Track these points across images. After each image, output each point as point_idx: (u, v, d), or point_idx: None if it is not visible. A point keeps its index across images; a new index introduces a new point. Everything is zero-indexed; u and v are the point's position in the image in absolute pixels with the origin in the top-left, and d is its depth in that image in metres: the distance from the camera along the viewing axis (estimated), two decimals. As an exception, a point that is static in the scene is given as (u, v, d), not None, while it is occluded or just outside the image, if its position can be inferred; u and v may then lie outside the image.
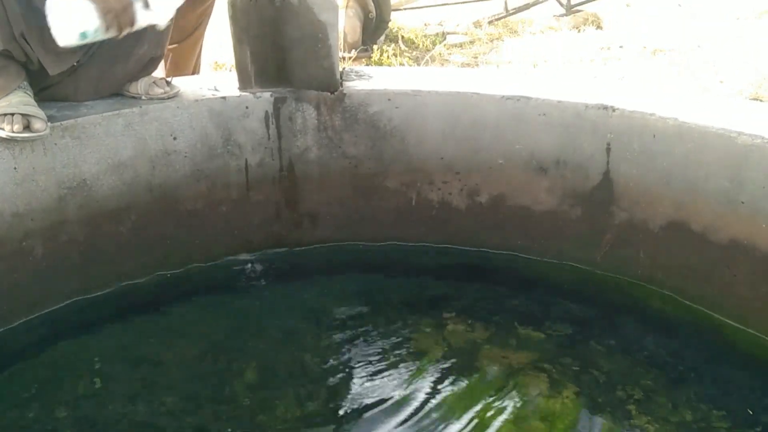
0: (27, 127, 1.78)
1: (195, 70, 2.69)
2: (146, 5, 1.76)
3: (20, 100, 1.80)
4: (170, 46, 2.43)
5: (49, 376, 1.78)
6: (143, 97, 2.05)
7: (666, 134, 1.89)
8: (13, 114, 1.77)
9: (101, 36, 1.76)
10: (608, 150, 2.01)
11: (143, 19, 1.78)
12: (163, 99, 2.06)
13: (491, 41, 5.06)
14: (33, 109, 1.80)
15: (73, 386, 1.74)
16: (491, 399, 1.69)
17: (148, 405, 1.69)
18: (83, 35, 1.73)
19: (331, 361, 1.83)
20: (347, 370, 1.80)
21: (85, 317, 1.98)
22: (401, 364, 1.81)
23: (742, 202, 1.78)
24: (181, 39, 2.59)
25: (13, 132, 1.76)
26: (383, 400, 1.69)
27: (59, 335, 1.90)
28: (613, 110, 1.98)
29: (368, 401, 1.69)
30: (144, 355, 1.84)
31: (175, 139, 2.07)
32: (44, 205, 1.89)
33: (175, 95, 2.09)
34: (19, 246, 1.87)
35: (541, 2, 5.74)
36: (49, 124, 1.82)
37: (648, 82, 3.75)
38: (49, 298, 1.98)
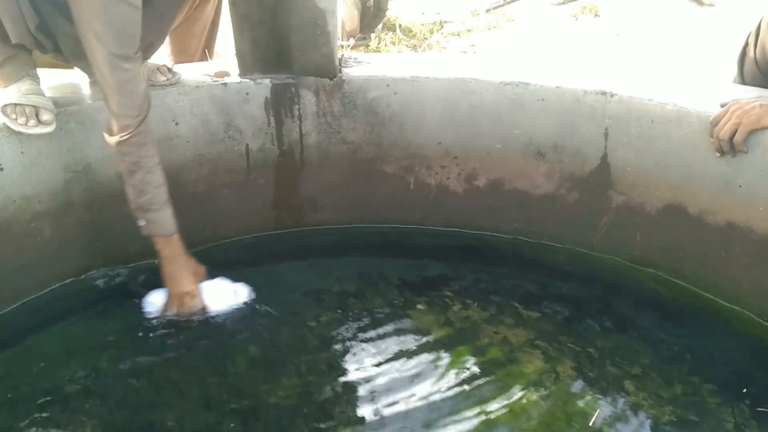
0: (36, 116, 1.80)
1: (201, 55, 2.65)
2: None
3: (29, 88, 1.82)
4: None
5: (58, 352, 1.81)
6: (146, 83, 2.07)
7: (664, 119, 1.90)
8: (24, 105, 1.79)
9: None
10: (606, 135, 2.03)
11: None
12: (164, 85, 2.07)
13: (488, 30, 5.07)
14: (41, 99, 1.82)
15: (81, 362, 1.77)
16: (489, 376, 1.71)
17: (154, 380, 1.71)
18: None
19: (331, 338, 1.86)
20: (347, 347, 1.83)
21: (92, 296, 2.01)
22: (400, 343, 1.84)
23: (740, 186, 1.80)
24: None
25: (25, 126, 1.79)
26: (381, 376, 1.72)
27: (67, 313, 1.93)
28: (612, 95, 2.00)
29: (367, 377, 1.72)
30: (149, 332, 1.86)
31: (177, 124, 2.09)
32: (51, 188, 1.91)
33: (177, 82, 2.10)
34: (27, 227, 1.89)
35: (539, -9, 5.74)
36: (56, 111, 1.85)
37: (646, 68, 3.77)
38: (56, 277, 2.01)
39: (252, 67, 2.20)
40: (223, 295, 1.94)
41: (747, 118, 1.70)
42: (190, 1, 2.11)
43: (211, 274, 1.98)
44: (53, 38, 1.85)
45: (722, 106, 1.78)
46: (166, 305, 1.89)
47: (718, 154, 1.79)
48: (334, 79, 2.18)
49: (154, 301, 1.91)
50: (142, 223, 1.83)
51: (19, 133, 1.80)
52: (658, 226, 2.01)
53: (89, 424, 1.58)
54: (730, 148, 1.75)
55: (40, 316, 1.93)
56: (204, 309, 1.91)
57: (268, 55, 2.18)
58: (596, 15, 5.38)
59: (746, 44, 2.03)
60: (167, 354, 1.80)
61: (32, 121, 1.80)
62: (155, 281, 1.95)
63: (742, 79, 2.06)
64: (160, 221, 1.83)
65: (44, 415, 1.60)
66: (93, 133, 1.94)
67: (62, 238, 1.97)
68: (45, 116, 1.81)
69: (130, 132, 1.73)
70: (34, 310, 1.94)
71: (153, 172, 1.79)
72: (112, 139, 1.75)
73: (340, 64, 2.23)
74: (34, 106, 1.80)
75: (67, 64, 2.05)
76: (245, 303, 1.96)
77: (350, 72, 2.21)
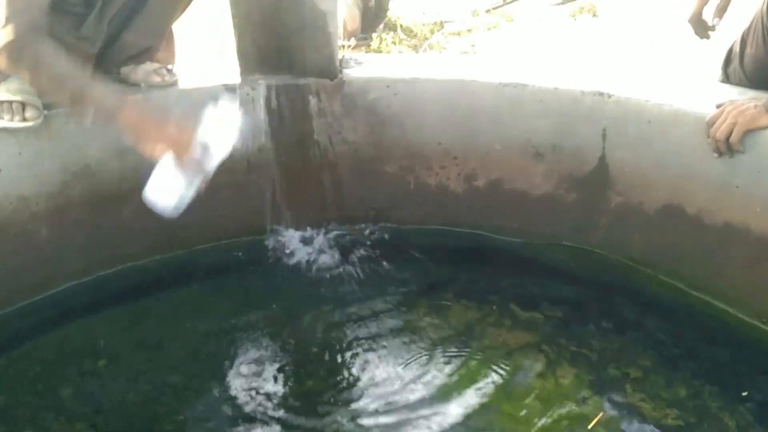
0: (23, 112, 1.80)
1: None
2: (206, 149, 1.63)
3: (17, 87, 1.81)
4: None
5: (55, 355, 1.81)
6: (142, 85, 2.08)
7: (661, 120, 1.91)
8: (11, 102, 1.79)
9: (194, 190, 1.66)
10: (604, 135, 2.04)
11: (210, 165, 1.65)
12: (162, 87, 2.08)
13: (488, 30, 5.08)
14: (29, 96, 1.82)
15: (77, 366, 1.77)
16: (488, 378, 1.72)
17: (151, 384, 1.72)
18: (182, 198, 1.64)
19: (330, 340, 1.87)
20: (346, 349, 1.83)
21: (90, 298, 2.01)
22: (399, 344, 1.85)
23: (737, 186, 1.81)
24: None
25: (10, 122, 1.79)
26: (380, 379, 1.73)
27: (64, 316, 1.94)
28: (609, 96, 2.01)
29: (365, 379, 1.73)
30: (147, 335, 1.88)
31: (176, 124, 2.09)
32: (49, 189, 1.92)
33: (174, 83, 2.11)
34: (24, 228, 1.90)
35: (539, -9, 5.75)
36: (44, 112, 1.84)
37: (644, 69, 3.78)
38: (54, 279, 2.02)
39: (252, 68, 2.21)
40: (219, 128, 1.63)
41: (742, 118, 1.71)
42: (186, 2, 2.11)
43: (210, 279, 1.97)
44: None
45: (718, 106, 1.79)
46: (174, 164, 1.60)
47: (715, 155, 1.80)
48: (335, 80, 2.19)
49: (160, 177, 1.60)
50: (85, 111, 1.62)
51: (17, 134, 1.81)
52: (656, 226, 2.01)
53: (85, 429, 1.58)
54: (726, 148, 1.75)
55: (37, 318, 1.93)
56: (207, 148, 1.62)
57: (269, 56, 2.19)
58: (595, 15, 5.39)
59: (731, 49, 2.04)
60: (165, 358, 1.81)
61: (17, 117, 1.79)
62: (154, 284, 1.97)
63: (727, 81, 2.07)
64: (104, 92, 1.64)
65: (40, 419, 1.61)
66: (92, 133, 1.94)
67: (60, 240, 1.98)
68: (29, 112, 1.80)
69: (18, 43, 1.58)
70: (31, 313, 1.95)
71: (60, 55, 1.62)
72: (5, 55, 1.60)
73: (340, 65, 2.24)
74: (21, 102, 1.80)
75: None
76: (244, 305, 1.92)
77: (351, 73, 2.22)
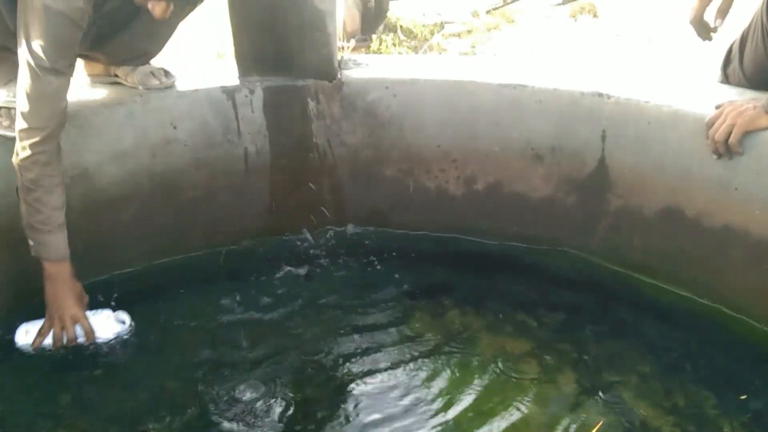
0: None
1: None
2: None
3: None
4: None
5: (52, 362, 1.80)
6: (140, 88, 2.07)
7: (661, 121, 1.90)
8: (10, 108, 1.79)
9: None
10: (603, 137, 2.03)
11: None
12: (160, 89, 2.08)
13: (489, 31, 5.07)
14: None
15: (75, 372, 1.76)
16: (487, 384, 1.71)
17: (150, 390, 1.71)
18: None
19: (328, 345, 1.86)
20: (344, 354, 1.82)
21: (88, 304, 1.99)
22: (397, 350, 1.84)
23: (736, 188, 1.80)
24: None
25: (9, 129, 1.78)
26: (379, 384, 1.72)
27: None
28: (609, 97, 2.00)
29: (364, 385, 1.72)
30: (145, 341, 1.86)
31: (175, 128, 2.09)
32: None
33: (171, 85, 2.10)
34: (22, 234, 1.88)
35: (539, -8, 5.74)
36: None
37: (643, 69, 3.77)
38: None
39: (251, 69, 2.21)
40: (108, 323, 1.85)
41: (741, 119, 1.70)
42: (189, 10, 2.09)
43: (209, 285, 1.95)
44: None
45: (717, 107, 1.78)
46: (43, 329, 1.79)
47: (714, 156, 1.79)
48: (334, 82, 2.19)
49: (29, 329, 1.81)
50: (31, 243, 1.75)
51: (12, 137, 1.80)
52: (656, 229, 2.00)
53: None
54: (725, 149, 1.75)
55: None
56: (90, 334, 1.81)
57: (267, 57, 2.18)
58: (595, 16, 5.38)
59: (730, 50, 2.03)
60: (163, 364, 1.80)
61: (8, 122, 1.79)
62: (152, 289, 1.96)
63: (726, 82, 2.06)
64: (52, 244, 1.75)
65: (38, 427, 1.60)
66: (90, 137, 1.95)
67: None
68: None
69: (35, 147, 1.66)
70: (29, 319, 1.89)
71: (52, 193, 1.71)
72: (16, 156, 1.69)
73: (339, 66, 2.23)
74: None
75: None
76: (225, 308, 1.93)
77: (350, 74, 2.21)
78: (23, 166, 1.68)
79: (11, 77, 1.82)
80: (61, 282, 1.78)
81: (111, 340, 1.84)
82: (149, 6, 1.63)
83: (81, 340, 1.81)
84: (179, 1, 1.70)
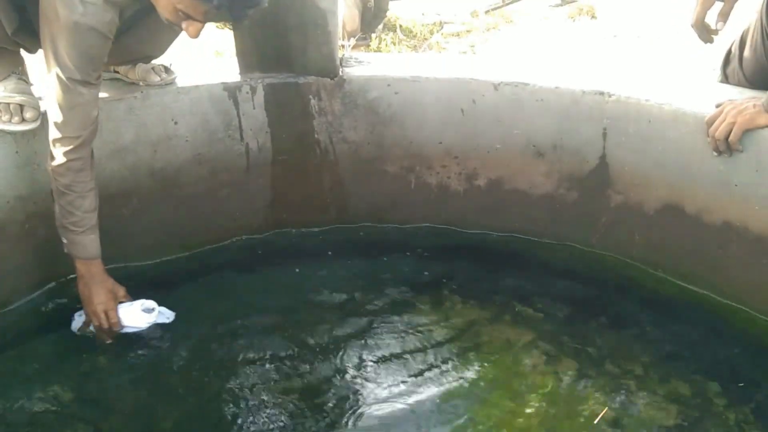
0: (21, 113, 1.80)
1: None
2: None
3: (15, 87, 1.81)
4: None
5: (53, 355, 1.81)
6: (141, 84, 2.07)
7: (661, 119, 1.91)
8: (8, 103, 1.79)
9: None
10: (604, 135, 2.04)
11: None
12: (160, 85, 2.08)
13: (488, 31, 5.09)
14: (27, 97, 1.81)
15: (76, 365, 1.76)
16: (490, 376, 1.72)
17: (150, 384, 1.71)
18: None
19: (332, 338, 1.86)
20: (348, 347, 1.83)
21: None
22: (400, 342, 1.84)
23: (736, 185, 1.81)
24: None
25: (9, 123, 1.79)
26: (382, 376, 1.72)
27: (62, 315, 1.92)
28: (609, 96, 2.01)
29: (366, 377, 1.72)
30: (146, 335, 1.86)
31: (176, 123, 2.09)
32: (46, 189, 1.90)
33: (172, 82, 2.10)
34: (22, 228, 1.90)
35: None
36: (41, 110, 1.83)
37: (643, 69, 3.78)
38: (51, 279, 2.01)
39: (252, 66, 2.21)
40: (141, 315, 1.87)
41: (741, 117, 1.72)
42: None
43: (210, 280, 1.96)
44: (38, 38, 1.84)
45: (717, 106, 1.80)
46: (85, 323, 1.86)
47: (714, 154, 1.80)
48: (335, 79, 2.19)
49: (78, 319, 1.88)
50: (64, 241, 1.79)
51: (14, 133, 1.80)
52: (656, 225, 2.02)
53: (84, 429, 1.57)
54: (725, 147, 1.76)
55: (35, 318, 1.92)
56: (119, 327, 1.84)
57: (269, 54, 2.19)
58: (593, 17, 5.40)
59: (730, 49, 2.04)
60: (165, 357, 1.80)
61: (16, 118, 1.80)
62: (153, 284, 1.95)
63: (726, 81, 2.07)
64: (83, 244, 1.79)
65: (38, 420, 1.60)
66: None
67: (57, 239, 1.95)
68: (28, 113, 1.81)
69: (69, 154, 1.69)
70: (29, 313, 1.94)
71: (85, 197, 1.75)
72: (49, 161, 1.72)
73: (340, 64, 2.23)
74: (19, 103, 1.79)
75: None
76: (227, 305, 1.95)
77: (351, 72, 2.22)
78: (58, 172, 1.71)
79: (9, 73, 1.84)
80: (92, 279, 1.82)
81: (143, 329, 1.86)
82: (183, 26, 1.62)
83: (122, 329, 1.85)
84: (215, 20, 1.69)
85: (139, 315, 1.86)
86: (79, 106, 1.66)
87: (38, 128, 1.84)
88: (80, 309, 1.86)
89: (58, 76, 1.63)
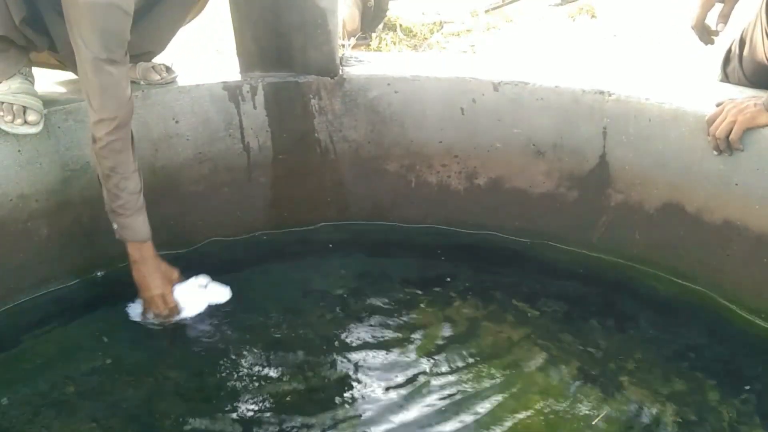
0: (24, 115, 1.80)
1: None
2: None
3: (19, 87, 1.81)
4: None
5: (54, 353, 1.81)
6: (141, 83, 2.08)
7: (661, 118, 1.92)
8: (11, 104, 1.79)
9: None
10: (604, 134, 2.04)
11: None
12: (161, 84, 2.08)
13: (488, 30, 5.09)
14: (30, 99, 1.82)
15: (79, 362, 1.77)
16: (489, 374, 1.72)
17: (153, 380, 1.72)
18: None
19: (333, 337, 1.86)
20: (348, 346, 1.83)
21: (91, 295, 2.01)
22: (401, 341, 1.85)
23: (736, 184, 1.81)
24: None
25: (11, 125, 1.79)
26: (383, 374, 1.72)
27: (65, 313, 1.93)
28: (610, 95, 2.01)
29: (368, 375, 1.72)
30: (149, 332, 1.87)
31: (177, 122, 2.10)
32: (48, 187, 1.92)
33: (173, 80, 2.11)
34: (24, 226, 1.90)
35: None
36: (44, 112, 1.84)
37: (643, 68, 3.78)
38: (54, 276, 2.01)
39: (253, 65, 2.22)
40: (200, 297, 1.92)
41: (742, 116, 1.72)
42: (194, 11, 2.10)
43: (204, 274, 1.98)
44: (47, 35, 1.85)
45: (718, 105, 1.80)
46: (144, 310, 1.89)
47: (714, 153, 1.81)
48: (336, 78, 2.19)
49: (136, 307, 1.92)
50: (115, 226, 1.82)
51: (12, 134, 1.81)
52: (656, 224, 2.02)
53: (86, 427, 1.57)
54: (726, 146, 1.76)
55: (37, 316, 1.93)
56: (178, 311, 1.89)
57: (269, 53, 2.19)
58: (593, 16, 5.40)
59: (730, 49, 2.05)
60: (166, 354, 1.81)
61: (18, 120, 1.80)
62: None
63: (726, 80, 2.08)
64: (133, 227, 1.82)
65: (40, 417, 1.60)
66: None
67: (59, 238, 1.98)
68: (31, 116, 1.81)
69: (109, 136, 1.71)
70: (31, 311, 1.94)
71: (129, 179, 1.78)
72: (93, 145, 1.75)
73: (341, 63, 2.24)
74: (22, 105, 1.80)
75: (61, 65, 2.05)
76: (228, 303, 1.96)
77: (351, 71, 2.22)
78: (101, 155, 1.74)
79: (14, 72, 1.83)
80: (145, 264, 1.85)
81: (204, 310, 1.91)
82: None
83: (181, 312, 1.89)
84: None
85: (196, 295, 1.90)
86: (110, 87, 1.68)
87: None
88: (134, 297, 1.90)
89: (86, 59, 1.64)
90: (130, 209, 1.80)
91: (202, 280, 1.95)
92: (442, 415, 1.60)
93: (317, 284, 2.09)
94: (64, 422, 1.59)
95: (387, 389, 1.68)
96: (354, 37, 4.36)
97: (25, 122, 1.80)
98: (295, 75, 2.19)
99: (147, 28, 1.95)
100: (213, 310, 1.95)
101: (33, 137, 1.85)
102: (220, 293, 1.96)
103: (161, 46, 2.10)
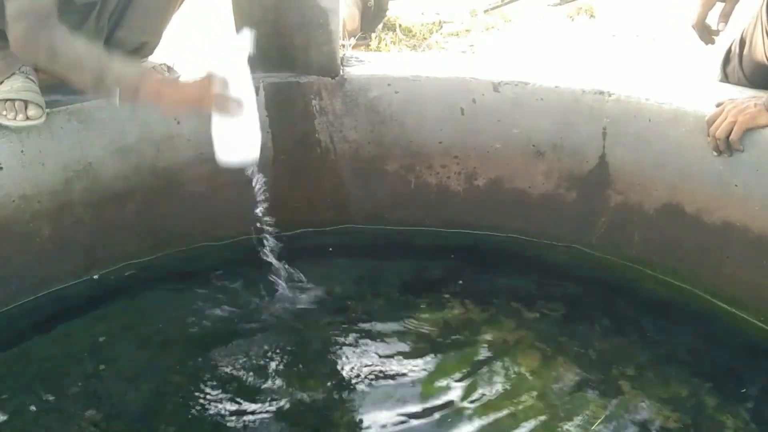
0: (25, 110, 1.80)
1: None
2: None
3: (21, 85, 1.81)
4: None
5: (57, 354, 1.81)
6: None
7: (661, 118, 1.92)
8: (13, 100, 1.79)
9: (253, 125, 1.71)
10: (604, 134, 2.05)
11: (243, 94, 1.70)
12: None
13: (487, 30, 5.09)
14: (32, 94, 1.82)
15: (80, 364, 1.77)
16: (488, 376, 1.72)
17: (153, 382, 1.72)
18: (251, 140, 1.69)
19: (331, 340, 1.87)
20: (346, 348, 1.83)
21: (92, 296, 2.01)
22: (399, 343, 1.85)
23: (736, 185, 1.82)
24: None
25: (13, 120, 1.79)
26: (381, 378, 1.73)
27: (66, 314, 1.94)
28: (609, 95, 2.02)
29: (366, 378, 1.73)
30: (149, 333, 1.87)
31: (178, 123, 2.10)
32: (51, 188, 1.92)
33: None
34: (26, 227, 1.90)
35: (536, -8, 5.76)
36: (46, 110, 1.84)
37: (643, 68, 3.79)
38: (55, 278, 2.01)
39: (254, 65, 2.20)
40: (232, 58, 1.66)
41: (742, 116, 1.72)
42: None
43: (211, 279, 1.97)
44: None
45: (717, 105, 1.80)
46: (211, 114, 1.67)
47: (714, 154, 1.81)
48: (336, 78, 2.20)
49: (218, 139, 1.70)
50: (111, 96, 1.66)
51: (19, 132, 1.81)
52: (656, 225, 2.02)
53: (88, 428, 1.58)
54: (726, 147, 1.77)
55: (39, 317, 1.93)
56: (227, 85, 1.65)
57: (270, 53, 2.19)
58: (592, 16, 5.40)
59: (730, 49, 2.05)
60: (168, 357, 1.81)
61: (20, 116, 1.80)
62: (156, 283, 1.96)
63: (726, 80, 2.08)
64: (122, 73, 1.65)
65: (42, 418, 1.60)
66: (94, 131, 1.95)
67: (62, 239, 1.98)
68: (32, 111, 1.80)
69: (33, 33, 1.61)
70: (33, 311, 1.94)
71: (71, 39, 1.63)
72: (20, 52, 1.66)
73: (341, 63, 2.24)
74: (23, 100, 1.80)
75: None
76: (229, 304, 1.93)
77: (352, 71, 2.22)
78: (29, 52, 1.66)
79: (15, 71, 1.83)
80: (163, 84, 1.72)
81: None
82: None
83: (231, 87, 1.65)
84: None
85: (230, 60, 1.65)
86: None
87: (43, 127, 1.84)
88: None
89: None
90: (101, 64, 1.64)
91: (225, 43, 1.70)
92: (439, 417, 1.60)
93: (315, 287, 2.08)
94: (65, 424, 1.59)
95: (383, 392, 1.68)
96: (354, 37, 4.36)
97: (27, 118, 1.80)
98: (296, 75, 2.20)
99: (134, 18, 1.94)
100: (211, 311, 1.95)
101: (35, 138, 1.85)
102: (242, 38, 1.70)
103: (155, 36, 2.08)
